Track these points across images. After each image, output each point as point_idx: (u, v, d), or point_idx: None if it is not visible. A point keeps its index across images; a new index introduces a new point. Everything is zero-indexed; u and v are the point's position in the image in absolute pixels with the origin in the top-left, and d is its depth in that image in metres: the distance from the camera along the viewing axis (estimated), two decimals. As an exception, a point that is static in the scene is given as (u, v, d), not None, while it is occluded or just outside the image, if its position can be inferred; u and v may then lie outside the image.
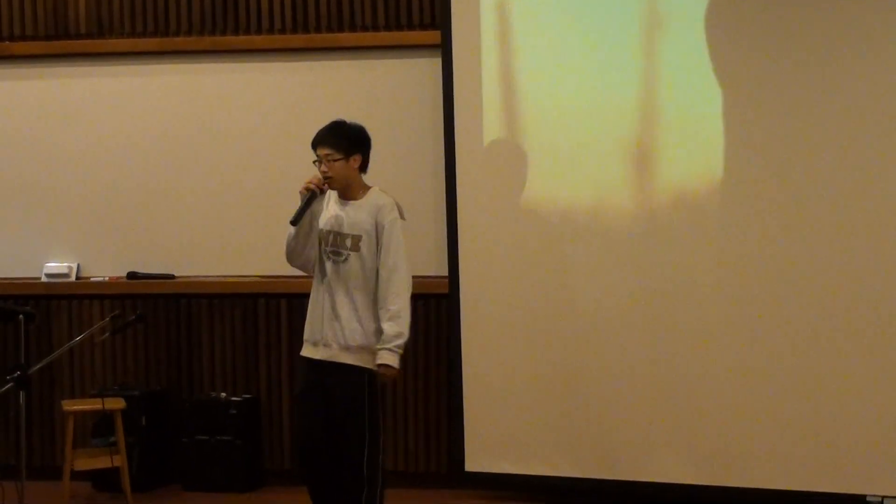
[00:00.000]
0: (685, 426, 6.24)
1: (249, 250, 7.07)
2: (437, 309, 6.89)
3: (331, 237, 5.16)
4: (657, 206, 6.26)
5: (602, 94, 6.32)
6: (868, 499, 5.96)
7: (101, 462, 6.55)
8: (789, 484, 6.07)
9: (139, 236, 7.21)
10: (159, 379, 7.18)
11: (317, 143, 5.18)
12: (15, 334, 5.90)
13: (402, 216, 5.19)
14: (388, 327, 5.07)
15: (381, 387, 5.15)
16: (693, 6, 6.16)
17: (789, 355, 6.05)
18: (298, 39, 7.02)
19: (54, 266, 7.25)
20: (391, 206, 5.17)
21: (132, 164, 7.19)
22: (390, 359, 5.06)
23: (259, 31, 7.07)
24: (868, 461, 5.95)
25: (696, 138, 6.19)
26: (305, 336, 5.25)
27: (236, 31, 7.09)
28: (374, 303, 5.13)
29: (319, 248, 5.19)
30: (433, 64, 6.74)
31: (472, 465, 6.62)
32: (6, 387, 5.43)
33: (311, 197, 5.12)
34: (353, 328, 5.09)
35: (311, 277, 5.29)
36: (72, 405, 6.61)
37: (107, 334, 6.36)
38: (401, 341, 5.08)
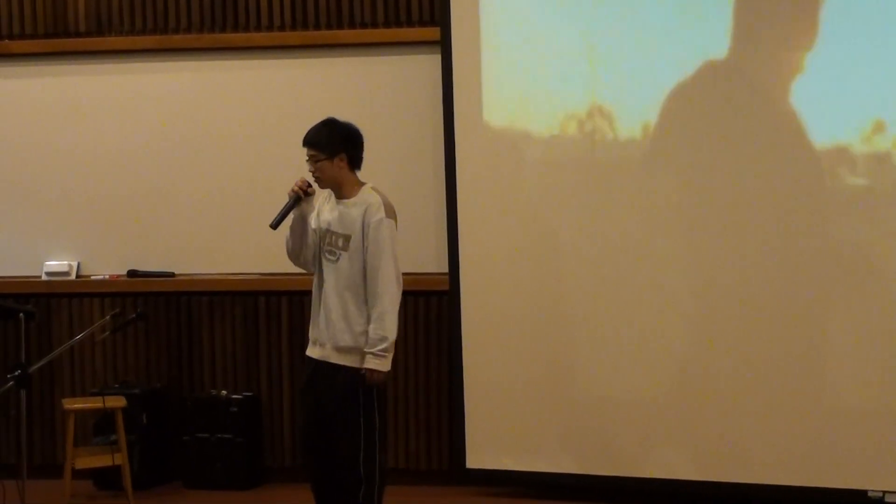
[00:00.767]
0: (686, 422, 6.24)
1: (250, 248, 7.06)
2: (437, 306, 6.89)
3: (327, 237, 5.15)
4: (658, 203, 6.26)
5: (602, 92, 6.32)
6: (869, 494, 5.96)
7: (102, 460, 6.55)
8: (790, 479, 6.07)
9: (139, 234, 7.20)
10: (160, 377, 7.18)
11: (303, 142, 5.17)
12: (15, 333, 5.91)
13: (392, 215, 5.13)
14: (371, 331, 5.03)
15: (381, 386, 5.14)
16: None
17: (790, 351, 6.05)
18: (298, 37, 7.02)
19: (54, 264, 7.25)
20: (378, 205, 5.11)
21: (132, 162, 7.18)
22: (375, 363, 5.01)
23: (258, 29, 7.07)
24: (869, 456, 5.95)
25: (696, 136, 6.19)
26: (309, 334, 5.27)
27: (236, 29, 7.09)
28: (365, 303, 5.10)
29: (318, 248, 5.19)
30: (433, 60, 6.73)
31: (473, 461, 6.62)
32: (7, 385, 5.43)
33: (295, 200, 5.11)
34: (341, 328, 5.07)
35: (312, 275, 5.30)
36: (72, 403, 6.60)
37: (107, 332, 6.36)
38: (385, 345, 5.01)
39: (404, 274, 6.86)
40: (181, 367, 7.18)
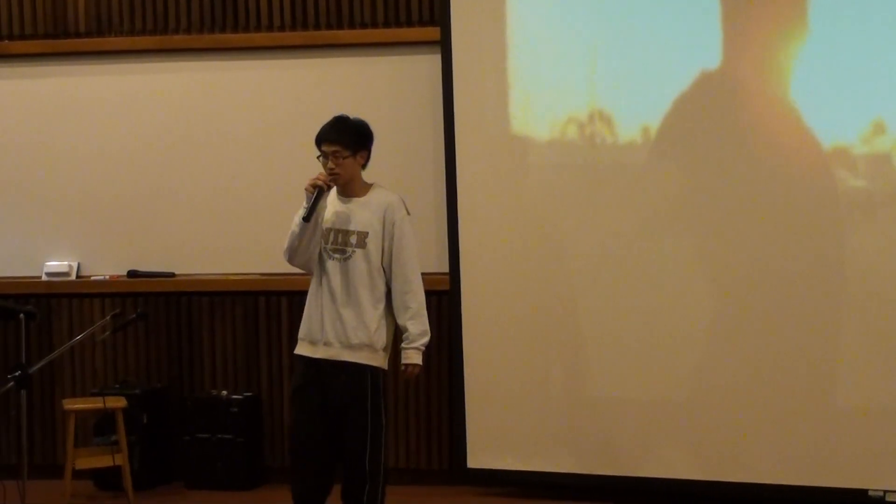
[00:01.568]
0: (687, 422, 6.24)
1: (250, 248, 7.07)
2: (438, 305, 6.88)
3: (332, 235, 5.11)
4: (659, 202, 6.26)
5: (603, 90, 6.32)
6: (870, 493, 5.96)
7: (103, 461, 6.54)
8: (791, 479, 6.07)
9: (139, 234, 7.20)
10: (160, 377, 7.18)
11: (322, 139, 5.10)
12: (16, 333, 5.91)
13: (408, 213, 5.18)
14: (412, 326, 5.09)
15: (384, 384, 5.14)
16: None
17: (790, 351, 6.05)
18: (298, 37, 7.02)
19: (55, 265, 7.25)
20: (399, 203, 5.14)
21: (132, 162, 7.18)
22: (417, 357, 5.12)
23: (258, 29, 7.07)
24: (870, 456, 5.95)
25: (696, 139, 6.19)
26: (301, 334, 5.19)
27: (235, 29, 7.09)
28: (379, 300, 5.10)
29: (321, 246, 5.15)
30: (433, 61, 6.73)
31: (473, 461, 6.62)
32: (7, 386, 5.43)
33: (319, 193, 5.03)
34: (355, 326, 5.06)
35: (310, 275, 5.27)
36: (73, 404, 6.60)
37: (107, 333, 6.36)
38: (426, 339, 5.12)
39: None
40: (181, 367, 7.18)
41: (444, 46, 6.58)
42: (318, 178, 5.05)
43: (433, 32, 6.72)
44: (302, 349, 5.18)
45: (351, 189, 5.14)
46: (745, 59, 6.10)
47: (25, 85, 7.26)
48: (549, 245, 6.44)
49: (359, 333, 5.05)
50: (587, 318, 6.38)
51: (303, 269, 5.24)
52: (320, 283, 5.13)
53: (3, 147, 7.29)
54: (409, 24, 6.91)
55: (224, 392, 7.02)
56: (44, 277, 7.24)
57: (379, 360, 5.09)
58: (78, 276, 7.24)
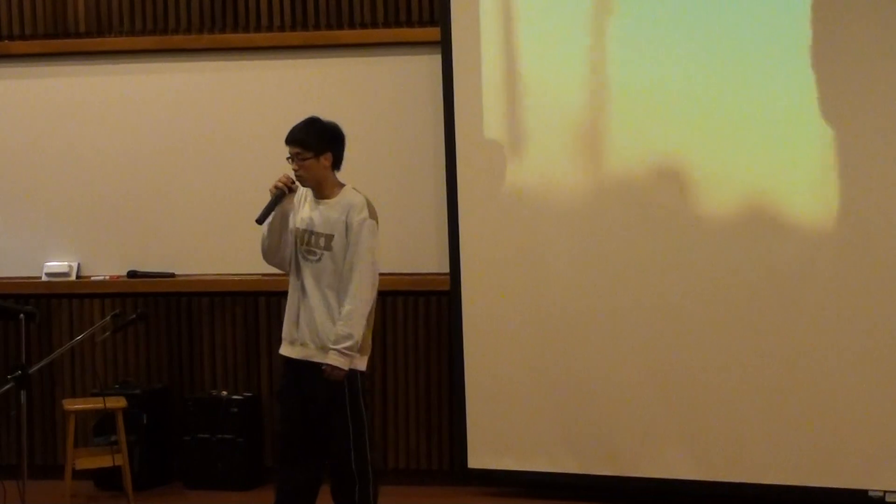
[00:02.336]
0: (687, 422, 6.24)
1: (250, 248, 6.99)
2: (438, 306, 6.89)
3: (305, 236, 5.15)
4: (660, 203, 6.25)
5: (604, 89, 6.32)
6: (870, 493, 5.96)
7: (103, 461, 6.54)
8: (791, 479, 6.08)
9: (139, 235, 7.20)
10: (160, 377, 7.18)
11: (288, 140, 5.16)
12: (16, 333, 5.90)
13: (374, 216, 5.15)
14: (339, 328, 5.04)
15: (363, 384, 5.14)
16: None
17: (791, 350, 6.05)
18: (298, 37, 7.02)
19: (55, 265, 7.24)
20: (361, 205, 5.13)
21: (132, 162, 7.18)
22: (336, 360, 5.01)
23: (258, 29, 7.06)
24: (870, 456, 5.95)
25: (701, 134, 6.19)
26: (283, 334, 5.24)
27: (235, 29, 7.09)
28: None
29: (295, 247, 5.19)
30: (433, 61, 6.73)
31: (474, 461, 6.62)
32: (7, 386, 5.42)
33: (279, 196, 5.11)
34: (327, 328, 5.07)
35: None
36: (73, 404, 6.60)
37: (107, 333, 6.35)
38: (349, 343, 5.02)
39: (405, 274, 6.94)
40: (181, 367, 7.18)
41: (444, 46, 6.58)
42: (279, 180, 5.11)
43: (433, 32, 6.72)
44: (283, 349, 5.24)
45: (322, 191, 5.18)
46: (744, 65, 6.10)
47: (25, 85, 7.25)
48: (549, 245, 6.44)
49: (330, 335, 5.06)
50: (587, 318, 6.38)
51: (279, 268, 5.31)
52: (296, 284, 5.19)
53: (3, 147, 7.29)
54: (409, 24, 6.91)
55: (224, 392, 7.02)
56: (44, 277, 7.24)
57: (354, 361, 5.09)
58: (78, 277, 7.24)
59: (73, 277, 7.23)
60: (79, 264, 7.25)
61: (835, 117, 5.93)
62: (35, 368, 5.72)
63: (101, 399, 6.46)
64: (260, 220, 5.14)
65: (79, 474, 6.63)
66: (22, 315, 5.81)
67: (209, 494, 6.86)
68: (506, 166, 6.52)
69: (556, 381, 6.44)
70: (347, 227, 5.09)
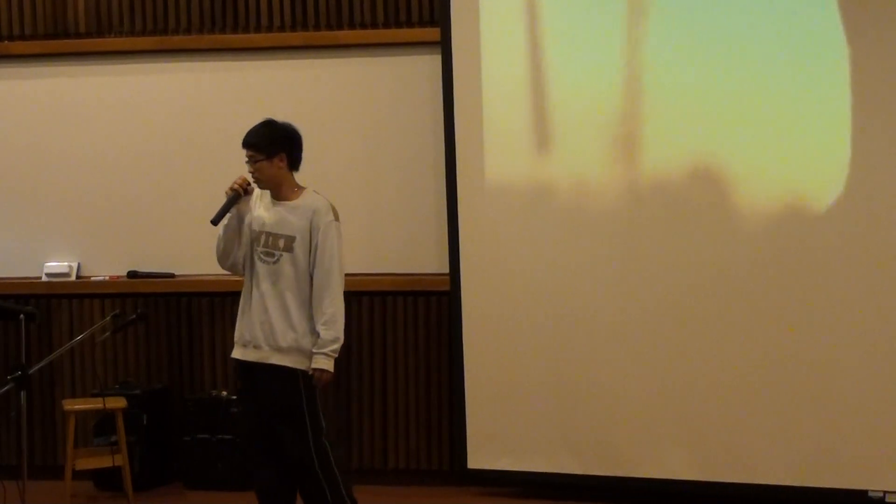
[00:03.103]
0: (687, 422, 6.24)
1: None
2: (438, 306, 6.89)
3: (262, 238, 5.16)
4: (660, 203, 6.25)
5: (605, 88, 6.32)
6: (870, 494, 5.96)
7: (103, 461, 6.54)
8: (791, 480, 6.07)
9: (139, 235, 7.20)
10: (160, 377, 7.18)
11: (243, 143, 5.20)
12: (16, 334, 5.90)
13: (338, 218, 5.18)
14: (323, 332, 5.06)
15: (324, 386, 5.15)
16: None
17: (791, 351, 6.05)
18: (298, 37, 7.02)
19: (55, 265, 7.24)
20: (326, 208, 5.16)
21: (132, 162, 7.18)
22: (326, 363, 5.06)
23: (258, 30, 7.06)
24: (870, 456, 5.95)
25: (702, 132, 6.19)
26: (236, 337, 5.25)
27: (235, 30, 7.09)
28: (306, 304, 5.12)
29: (251, 249, 5.19)
30: (433, 61, 6.73)
31: (474, 462, 6.62)
32: (7, 387, 5.42)
33: (234, 198, 5.16)
34: (284, 329, 5.09)
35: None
36: (73, 404, 6.60)
37: (107, 333, 6.35)
38: (336, 346, 5.07)
39: (405, 274, 6.96)
40: (181, 367, 7.18)
41: (444, 46, 6.58)
42: (236, 182, 5.14)
43: (433, 32, 6.72)
44: (235, 352, 5.25)
45: (281, 193, 5.20)
46: (749, 65, 6.10)
47: (25, 85, 7.25)
48: (549, 245, 6.44)
49: (287, 336, 5.08)
50: (587, 318, 6.37)
51: (231, 271, 5.33)
52: (251, 286, 5.20)
53: (3, 147, 7.29)
54: (409, 24, 6.91)
55: (224, 392, 7.02)
56: (44, 278, 7.24)
57: (309, 363, 5.10)
58: (78, 277, 7.24)
59: (73, 277, 7.23)
60: (79, 264, 7.25)
61: (869, 116, 5.91)
62: (35, 369, 5.72)
63: (101, 399, 6.47)
64: (215, 222, 5.19)
65: (79, 474, 6.63)
66: (22, 315, 5.81)
67: (209, 495, 6.86)
68: (506, 166, 6.52)
69: (556, 381, 6.43)
70: (312, 231, 5.10)
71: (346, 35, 6.97)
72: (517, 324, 6.48)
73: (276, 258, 5.12)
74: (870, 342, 5.94)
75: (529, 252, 6.46)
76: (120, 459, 6.51)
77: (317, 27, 7.00)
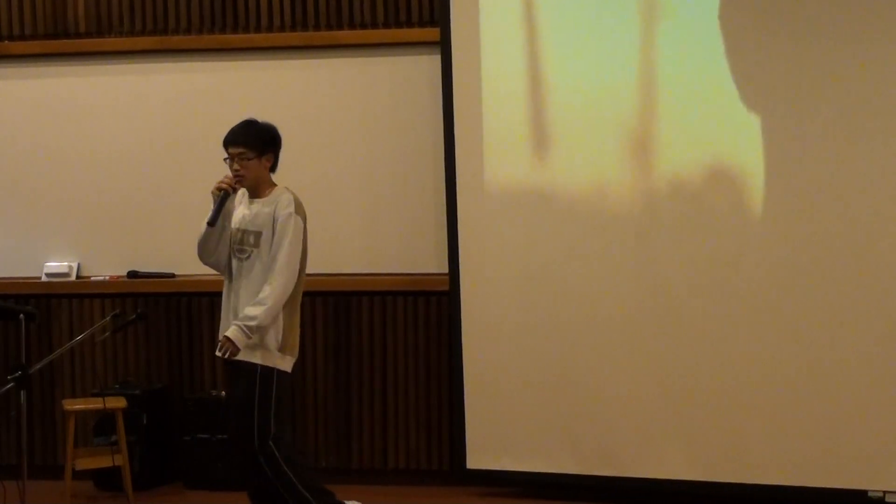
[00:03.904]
0: (686, 422, 6.24)
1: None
2: (437, 306, 6.89)
3: (238, 235, 5.26)
4: (661, 202, 6.26)
5: (604, 88, 6.32)
6: (869, 494, 5.96)
7: (103, 461, 6.55)
8: (790, 480, 6.07)
9: (139, 235, 7.20)
10: (160, 377, 7.18)
11: (229, 142, 5.26)
12: (16, 334, 5.90)
13: (301, 214, 5.24)
14: (249, 308, 5.13)
15: (280, 385, 5.17)
16: None
17: (791, 351, 6.05)
18: (297, 37, 7.02)
19: (54, 265, 7.25)
20: (288, 201, 5.23)
21: (132, 162, 7.18)
22: (236, 335, 5.09)
23: (258, 30, 7.07)
24: (870, 456, 5.95)
25: (701, 132, 6.19)
26: (219, 334, 5.32)
27: (235, 30, 7.09)
28: None
29: (230, 247, 5.25)
30: (433, 61, 6.73)
31: (473, 462, 6.62)
32: (7, 386, 5.42)
33: (225, 196, 5.23)
34: None
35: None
36: (73, 404, 6.60)
37: (107, 333, 6.36)
38: (253, 324, 5.10)
39: (404, 274, 6.95)
40: (181, 367, 7.18)
41: (444, 46, 6.58)
42: (223, 182, 5.17)
43: (433, 32, 6.72)
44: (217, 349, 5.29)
45: (258, 191, 5.30)
46: (748, 63, 6.10)
47: (25, 85, 7.26)
48: (548, 245, 6.44)
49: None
50: (587, 318, 6.37)
51: (214, 269, 5.40)
52: (228, 283, 5.29)
53: (3, 147, 7.29)
54: (409, 24, 6.91)
55: (224, 392, 7.02)
56: (44, 278, 7.24)
57: (274, 360, 5.15)
58: (78, 277, 7.24)
59: (73, 277, 7.23)
60: (79, 264, 7.25)
61: (887, 117, 5.91)
62: (35, 368, 5.72)
63: (101, 399, 6.47)
64: (212, 222, 5.24)
65: (79, 474, 6.63)
66: (22, 315, 5.81)
67: (209, 494, 6.86)
68: (506, 166, 6.52)
69: (556, 381, 6.43)
70: (274, 222, 5.17)
71: (345, 35, 6.97)
72: (517, 324, 6.49)
73: (247, 254, 5.23)
74: (870, 340, 5.94)
75: (529, 252, 6.46)
76: (120, 459, 6.51)
77: (316, 27, 7.01)
